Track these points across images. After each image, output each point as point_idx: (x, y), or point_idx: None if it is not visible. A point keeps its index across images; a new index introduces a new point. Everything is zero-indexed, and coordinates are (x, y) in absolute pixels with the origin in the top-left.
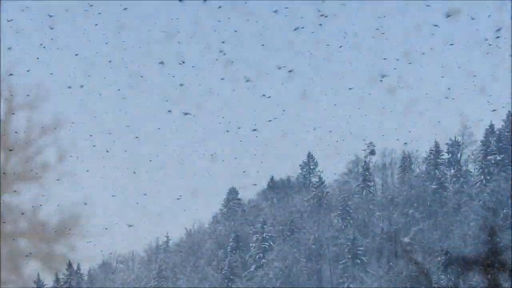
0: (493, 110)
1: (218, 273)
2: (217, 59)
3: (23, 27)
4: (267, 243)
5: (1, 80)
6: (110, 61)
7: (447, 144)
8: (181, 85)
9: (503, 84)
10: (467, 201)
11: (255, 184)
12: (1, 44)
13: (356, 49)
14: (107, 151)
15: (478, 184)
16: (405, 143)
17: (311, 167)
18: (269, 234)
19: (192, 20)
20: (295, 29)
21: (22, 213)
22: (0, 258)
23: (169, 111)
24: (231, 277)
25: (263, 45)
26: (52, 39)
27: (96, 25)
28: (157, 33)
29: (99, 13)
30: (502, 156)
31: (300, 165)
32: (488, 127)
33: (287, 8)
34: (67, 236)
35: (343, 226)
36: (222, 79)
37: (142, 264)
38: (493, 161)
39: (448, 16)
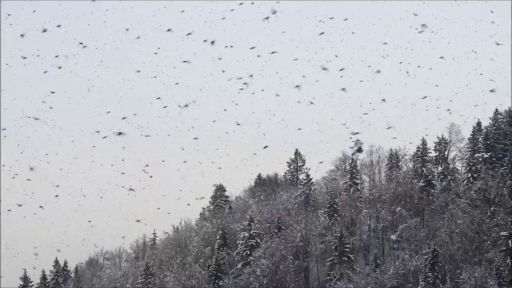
0: (475, 106)
1: (205, 270)
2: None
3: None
4: (254, 241)
5: (1, 78)
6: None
7: (434, 141)
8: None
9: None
10: (454, 198)
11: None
12: (0, 44)
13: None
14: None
15: (465, 181)
16: (394, 138)
17: (299, 164)
18: (256, 231)
19: None
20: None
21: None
22: (0, 258)
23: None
24: (218, 274)
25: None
26: None
27: None
28: None
29: None
30: (489, 153)
31: (287, 163)
32: (475, 125)
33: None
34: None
35: (330, 224)
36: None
37: (129, 261)
38: (480, 159)
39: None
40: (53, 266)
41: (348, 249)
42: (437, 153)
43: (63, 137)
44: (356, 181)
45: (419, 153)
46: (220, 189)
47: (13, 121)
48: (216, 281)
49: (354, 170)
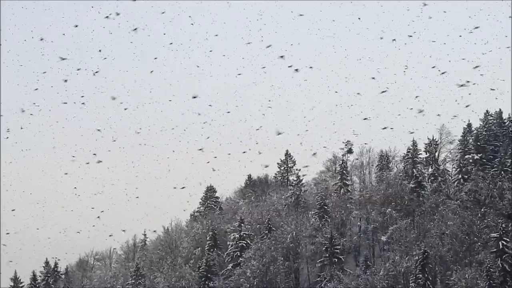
0: (467, 106)
1: (195, 271)
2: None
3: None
4: (244, 242)
5: (1, 79)
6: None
7: (425, 143)
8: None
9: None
10: (444, 200)
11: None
12: (1, 43)
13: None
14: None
15: (455, 183)
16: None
17: (289, 165)
18: (247, 233)
19: None
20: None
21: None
22: (0, 258)
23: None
24: (208, 275)
25: None
26: None
27: None
28: None
29: None
30: (480, 155)
31: (278, 164)
32: (465, 126)
33: None
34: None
35: (320, 225)
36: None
37: (120, 262)
38: (470, 160)
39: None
40: (43, 267)
41: (338, 250)
42: (428, 155)
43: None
44: (347, 182)
45: (410, 154)
46: (210, 190)
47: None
48: (206, 282)
49: (344, 171)
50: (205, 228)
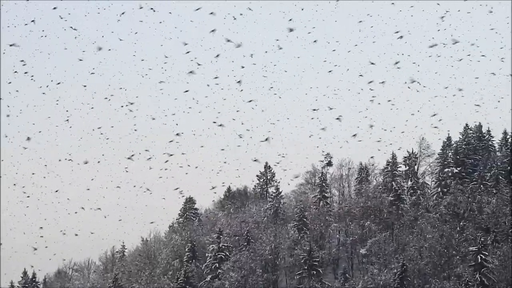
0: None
1: (173, 283)
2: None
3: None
4: (223, 253)
5: (1, 79)
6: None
7: (404, 156)
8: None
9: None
10: (423, 213)
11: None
12: (0, 43)
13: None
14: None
15: (435, 196)
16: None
17: (268, 177)
18: (225, 244)
19: None
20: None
21: None
22: (0, 258)
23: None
24: (187, 286)
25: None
26: None
27: None
28: None
29: None
30: (459, 168)
31: (257, 176)
32: (445, 140)
33: None
34: None
35: (299, 237)
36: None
37: (98, 273)
38: (450, 174)
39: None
40: (21, 277)
41: (317, 263)
42: (407, 168)
43: None
44: (326, 194)
45: (389, 167)
46: (189, 201)
47: None
48: None
49: (323, 184)
50: (183, 240)
